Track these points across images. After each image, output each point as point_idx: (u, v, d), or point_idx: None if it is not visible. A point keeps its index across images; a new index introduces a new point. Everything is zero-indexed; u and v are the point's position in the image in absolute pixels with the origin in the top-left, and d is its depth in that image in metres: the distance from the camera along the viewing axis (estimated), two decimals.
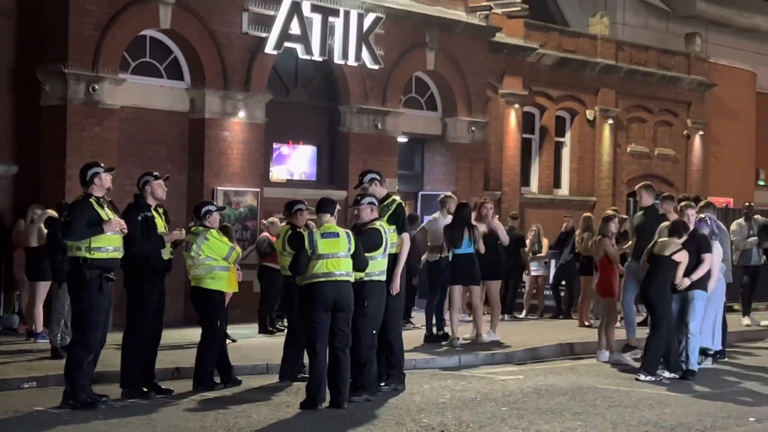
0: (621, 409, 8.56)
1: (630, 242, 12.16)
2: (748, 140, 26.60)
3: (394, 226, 9.13)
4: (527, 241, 16.04)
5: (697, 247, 10.24)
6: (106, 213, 8.24)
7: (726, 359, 11.65)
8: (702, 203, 11.95)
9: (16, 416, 7.87)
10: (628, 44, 23.55)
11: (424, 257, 13.47)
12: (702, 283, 10.36)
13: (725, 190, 24.26)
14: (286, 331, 10.47)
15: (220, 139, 14.61)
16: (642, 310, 13.13)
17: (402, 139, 17.47)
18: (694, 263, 10.22)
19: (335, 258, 8.37)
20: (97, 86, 13.20)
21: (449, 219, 12.73)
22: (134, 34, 13.80)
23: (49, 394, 8.64)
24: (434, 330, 12.51)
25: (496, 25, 18.70)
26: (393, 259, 9.08)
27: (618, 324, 11.84)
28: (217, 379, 9.32)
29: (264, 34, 14.89)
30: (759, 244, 15.05)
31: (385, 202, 9.21)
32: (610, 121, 22.56)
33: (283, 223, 10.63)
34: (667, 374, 10.15)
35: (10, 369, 9.77)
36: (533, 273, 16.07)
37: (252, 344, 12.01)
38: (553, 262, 16.48)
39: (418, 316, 13.93)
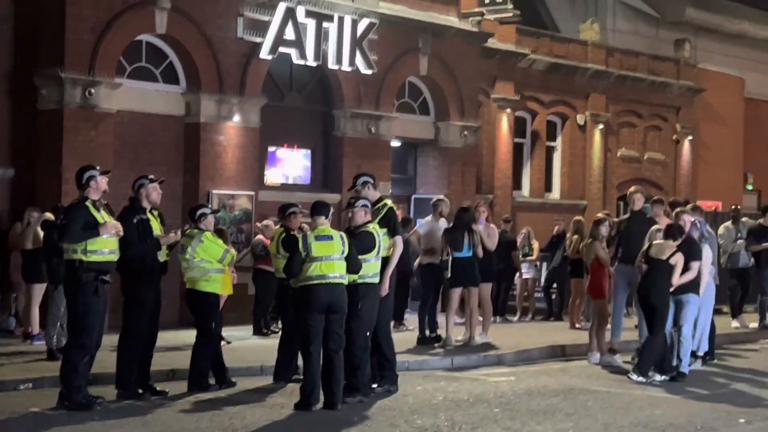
0: (612, 411, 8.63)
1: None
2: (737, 145, 26.80)
3: (385, 229, 9.20)
4: (518, 244, 16.16)
5: (687, 253, 10.36)
6: (102, 216, 8.28)
7: (715, 361, 11.75)
8: (689, 207, 12.09)
9: (13, 417, 7.90)
10: (619, 50, 23.73)
11: (417, 260, 13.57)
12: (695, 287, 10.49)
13: (714, 194, 24.42)
14: (280, 333, 10.53)
15: (215, 142, 14.70)
16: (632, 313, 13.28)
17: (395, 143, 17.57)
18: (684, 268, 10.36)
19: (329, 260, 8.44)
20: (93, 90, 13.27)
21: (442, 222, 12.86)
22: (130, 39, 13.88)
23: (45, 396, 8.66)
24: (427, 332, 12.61)
25: (488, 30, 18.83)
26: (385, 261, 9.18)
27: (609, 326, 11.96)
28: (212, 381, 9.36)
29: (259, 39, 14.99)
30: (747, 246, 15.17)
31: (377, 206, 9.27)
32: (601, 126, 22.72)
33: (278, 226, 10.73)
34: (658, 377, 10.24)
35: (7, 370, 9.82)
36: (524, 276, 16.20)
37: (246, 346, 12.07)
38: (544, 264, 16.62)
39: (411, 319, 14.02)
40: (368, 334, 8.90)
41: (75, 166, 9.05)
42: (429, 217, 13.15)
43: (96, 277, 8.21)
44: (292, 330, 9.52)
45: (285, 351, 9.82)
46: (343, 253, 8.51)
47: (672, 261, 10.21)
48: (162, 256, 8.91)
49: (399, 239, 9.36)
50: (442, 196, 13.81)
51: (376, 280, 8.95)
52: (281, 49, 15.19)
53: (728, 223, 15.47)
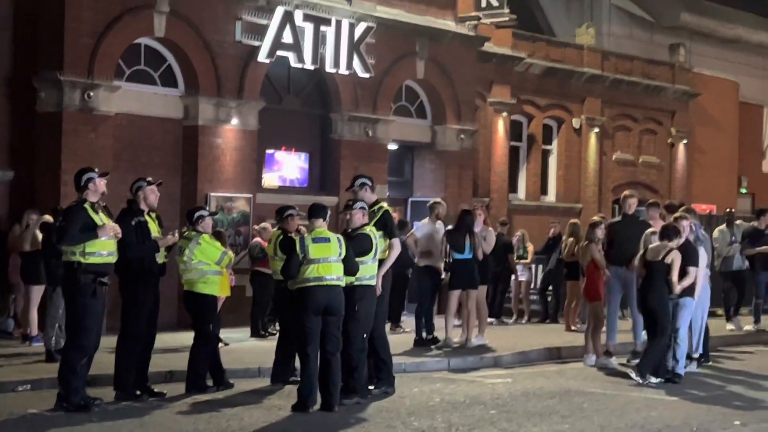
0: (608, 413, 8.67)
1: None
2: (731, 148, 26.91)
3: (381, 232, 9.23)
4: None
5: (685, 258, 10.40)
6: (100, 218, 8.30)
7: (710, 363, 11.80)
8: (682, 209, 12.15)
9: (11, 419, 7.93)
10: (614, 54, 23.83)
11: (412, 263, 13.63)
12: (691, 291, 10.55)
13: (708, 198, 24.53)
14: (277, 334, 10.59)
15: (213, 145, 14.76)
16: (627, 315, 13.35)
17: (392, 147, 17.64)
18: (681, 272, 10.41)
19: (326, 262, 8.48)
20: (92, 93, 13.33)
21: (438, 225, 12.93)
22: (129, 42, 13.94)
23: (43, 397, 8.68)
24: (423, 334, 12.68)
25: (484, 35, 18.90)
26: (381, 263, 9.22)
27: (605, 328, 12.03)
28: (210, 382, 9.38)
29: (257, 43, 15.06)
30: (741, 250, 15.16)
31: (373, 209, 9.31)
32: (596, 130, 22.82)
33: (275, 229, 10.79)
34: (653, 379, 10.27)
35: (5, 372, 9.85)
36: (519, 278, 16.26)
37: (244, 348, 12.10)
38: (540, 267, 16.68)
39: (408, 321, 14.08)
40: (365, 336, 8.94)
41: (74, 169, 9.05)
42: (426, 220, 13.21)
43: (94, 279, 8.24)
44: (289, 332, 9.55)
45: (282, 353, 9.85)
46: (340, 255, 8.55)
47: (667, 260, 10.25)
48: (160, 258, 8.95)
49: (397, 241, 9.41)
50: (438, 199, 13.88)
51: (374, 282, 8.99)
52: (279, 53, 15.25)
53: (723, 226, 15.48)
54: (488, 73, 19.83)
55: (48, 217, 11.29)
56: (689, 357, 11.05)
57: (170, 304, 12.86)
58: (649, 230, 11.39)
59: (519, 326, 15.63)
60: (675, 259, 10.27)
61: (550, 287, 16.36)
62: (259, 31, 15.11)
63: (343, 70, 16.01)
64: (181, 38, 14.42)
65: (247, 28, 15.07)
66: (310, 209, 8.84)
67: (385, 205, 9.53)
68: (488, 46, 19.42)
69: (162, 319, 9.45)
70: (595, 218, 12.23)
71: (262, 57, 15.09)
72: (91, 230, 8.22)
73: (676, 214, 11.18)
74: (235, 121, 14.96)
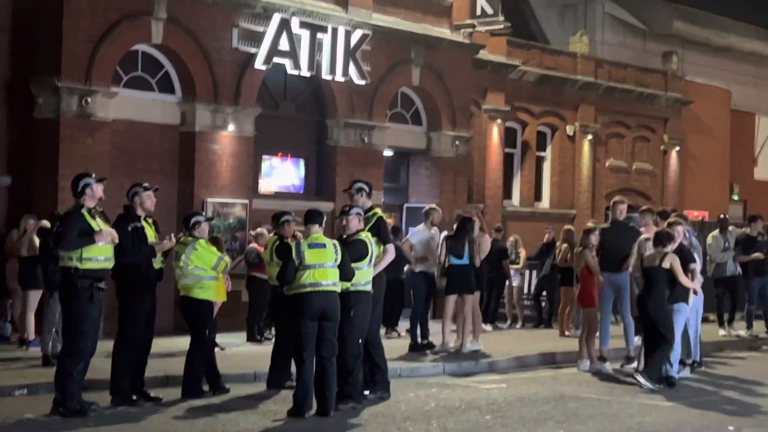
0: (602, 418, 8.73)
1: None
2: (723, 156, 27.03)
3: (375, 238, 9.26)
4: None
5: (683, 260, 10.49)
6: (97, 223, 8.34)
7: (703, 369, 11.88)
8: (673, 215, 12.25)
9: (7, 423, 7.96)
10: (607, 62, 23.95)
11: (407, 268, 13.70)
12: (685, 296, 10.64)
13: (701, 204, 24.63)
14: (273, 339, 10.64)
15: (210, 151, 14.81)
16: (619, 321, 13.41)
17: (388, 153, 17.71)
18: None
19: (322, 268, 8.53)
20: (89, 99, 13.37)
21: (434, 230, 13.01)
22: (126, 49, 14.00)
23: (40, 402, 8.71)
24: (419, 339, 12.75)
25: (479, 42, 18.99)
26: None
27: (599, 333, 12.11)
28: (206, 387, 9.42)
29: (254, 50, 15.13)
30: (734, 257, 15.22)
31: (367, 215, 9.35)
32: (590, 137, 22.92)
33: (271, 234, 10.84)
34: (649, 385, 10.32)
35: (2, 376, 9.87)
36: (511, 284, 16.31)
37: (240, 353, 12.14)
38: (534, 272, 16.76)
39: (403, 326, 14.12)
40: (360, 341, 8.98)
41: (71, 174, 9.08)
42: (421, 226, 13.28)
43: (91, 284, 8.27)
44: (285, 337, 9.59)
45: (278, 358, 9.89)
46: (336, 261, 8.60)
47: (665, 265, 10.31)
48: (157, 263, 8.99)
49: (391, 247, 9.46)
50: (434, 205, 13.96)
51: (369, 287, 9.04)
52: (276, 60, 15.33)
53: (716, 233, 15.53)
54: (483, 81, 19.92)
55: (45, 223, 11.33)
56: (682, 362, 11.13)
57: (167, 309, 12.90)
58: (643, 237, 11.49)
59: (513, 331, 15.69)
60: (674, 262, 10.33)
61: (544, 293, 16.44)
62: (256, 38, 15.18)
63: (339, 77, 16.08)
64: (179, 45, 14.48)
65: (243, 35, 15.14)
66: (306, 215, 8.88)
67: (379, 211, 9.58)
68: (483, 54, 19.52)
69: (158, 324, 9.47)
70: (589, 224, 12.34)
71: (258, 64, 15.16)
72: (89, 235, 8.26)
73: (670, 220, 11.27)
74: (231, 127, 15.02)
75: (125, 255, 8.67)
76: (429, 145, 18.28)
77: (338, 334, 8.71)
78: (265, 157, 16.11)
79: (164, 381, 9.85)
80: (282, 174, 16.48)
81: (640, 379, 10.24)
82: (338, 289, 8.67)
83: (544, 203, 22.49)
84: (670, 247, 10.43)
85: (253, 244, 13.52)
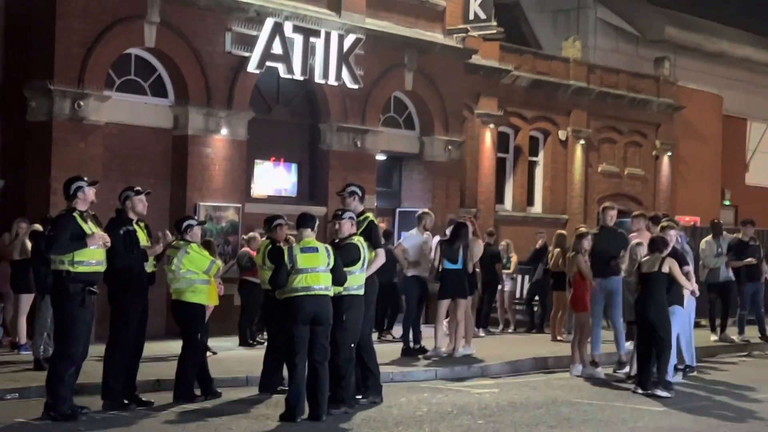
0: (594, 423, 8.74)
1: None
2: (715, 161, 27.13)
3: (366, 243, 9.26)
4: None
5: (677, 263, 10.51)
6: (89, 227, 8.32)
7: (695, 373, 11.92)
8: (665, 221, 12.29)
9: None
10: (600, 67, 24.02)
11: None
12: (680, 299, 10.68)
13: (692, 209, 24.69)
14: (265, 344, 10.63)
15: (202, 155, 14.82)
16: (610, 326, 13.43)
17: (381, 157, 17.74)
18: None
19: (314, 272, 8.52)
20: (82, 103, 13.37)
21: (426, 235, 13.04)
22: (119, 53, 14.00)
23: (31, 405, 8.70)
24: (411, 343, 12.76)
25: (472, 47, 19.04)
26: None
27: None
28: (198, 392, 9.40)
29: (247, 54, 15.15)
30: (727, 262, 15.22)
31: (359, 219, 9.35)
32: (582, 142, 22.98)
33: (264, 238, 10.84)
34: (640, 390, 10.36)
35: None
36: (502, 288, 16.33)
37: (232, 357, 12.14)
38: (527, 277, 16.79)
39: (397, 330, 14.13)
40: (353, 345, 8.99)
41: (64, 178, 9.07)
42: (414, 230, 13.31)
43: (83, 288, 8.26)
44: (277, 341, 9.59)
45: (270, 362, 9.89)
46: (328, 265, 8.59)
47: (665, 269, 10.34)
48: (149, 266, 8.98)
49: (381, 251, 9.46)
50: (427, 210, 13.98)
51: (361, 292, 9.04)
52: (269, 64, 15.34)
53: (709, 238, 15.52)
54: (476, 85, 19.97)
55: (38, 226, 11.31)
56: (675, 368, 11.15)
57: (158, 313, 12.89)
58: (634, 242, 11.53)
59: (505, 336, 15.73)
60: (673, 266, 10.36)
61: (536, 297, 16.47)
62: (249, 42, 15.19)
63: (332, 81, 16.11)
64: (172, 49, 14.49)
65: (236, 39, 15.15)
66: (298, 219, 8.89)
67: (370, 215, 9.58)
68: (476, 59, 19.57)
69: (150, 328, 9.45)
70: (582, 229, 12.35)
71: (251, 68, 15.17)
72: (80, 239, 8.25)
73: (663, 224, 11.31)
74: (224, 131, 15.03)
75: (117, 259, 8.66)
76: (422, 150, 18.31)
77: (331, 338, 8.71)
78: (257, 161, 16.11)
79: (156, 385, 9.84)
80: (275, 178, 16.48)
81: (659, 392, 10.15)
82: (331, 293, 8.67)
83: (537, 208, 22.54)
84: (666, 252, 10.47)
85: (246, 248, 13.52)
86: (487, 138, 20.50)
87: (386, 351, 11.91)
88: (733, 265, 15.28)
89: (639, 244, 11.27)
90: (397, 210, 18.40)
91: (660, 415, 9.33)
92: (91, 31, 13.51)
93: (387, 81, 17.42)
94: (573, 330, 12.27)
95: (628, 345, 12.02)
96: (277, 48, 15.34)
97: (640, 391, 10.37)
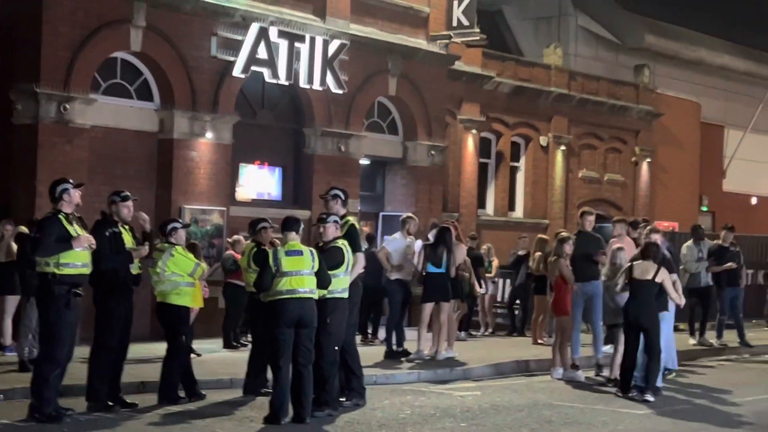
0: (576, 426, 8.83)
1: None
2: (693, 167, 27.40)
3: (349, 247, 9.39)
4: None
5: (666, 269, 10.64)
6: (75, 229, 8.34)
7: (675, 377, 12.01)
8: (649, 228, 12.45)
9: None
10: (580, 74, 24.22)
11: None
12: (666, 304, 10.81)
13: (671, 215, 24.93)
14: (249, 346, 10.67)
15: (188, 158, 14.85)
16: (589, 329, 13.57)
17: (364, 162, 17.82)
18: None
19: (299, 275, 8.56)
20: (68, 106, 13.37)
21: (410, 239, 13.14)
22: (105, 56, 14.01)
23: (15, 407, 8.68)
24: (394, 346, 12.84)
25: (455, 53, 19.17)
26: None
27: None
28: (182, 394, 9.43)
29: (232, 58, 15.20)
30: (707, 267, 15.30)
31: (340, 222, 9.43)
32: (563, 148, 23.17)
33: (248, 241, 10.90)
34: (621, 393, 10.46)
35: None
36: (481, 292, 16.42)
37: (216, 359, 12.14)
38: (508, 281, 16.90)
39: (382, 333, 14.20)
40: (337, 348, 9.04)
41: (49, 180, 9.07)
42: (397, 234, 13.38)
43: (68, 290, 8.27)
44: (261, 343, 9.63)
45: (255, 364, 9.92)
46: (313, 268, 8.63)
47: (658, 279, 10.43)
48: (134, 269, 9.01)
49: (361, 256, 9.48)
50: (411, 214, 14.05)
51: (345, 295, 9.09)
52: (254, 68, 15.40)
53: (690, 243, 15.52)
54: (458, 91, 20.10)
55: (23, 228, 11.31)
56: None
57: (143, 315, 12.86)
58: (615, 246, 11.68)
59: (487, 339, 15.79)
60: (666, 279, 10.46)
61: (518, 301, 16.59)
62: (234, 47, 15.25)
63: (316, 86, 16.19)
64: (157, 53, 14.52)
65: (222, 43, 15.21)
66: (283, 222, 8.92)
67: (351, 219, 9.60)
68: (459, 65, 19.70)
69: (135, 330, 9.44)
70: (564, 233, 12.47)
71: (236, 72, 15.23)
72: (66, 241, 8.26)
73: (649, 228, 11.44)
74: (209, 134, 15.08)
75: (103, 261, 8.67)
76: (405, 155, 18.41)
77: (315, 341, 8.75)
78: (242, 164, 16.16)
79: (140, 387, 9.84)
80: (259, 182, 16.53)
81: (648, 397, 10.21)
82: (315, 297, 8.71)
83: (518, 213, 22.70)
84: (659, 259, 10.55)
85: (230, 251, 13.58)
86: (470, 143, 20.64)
87: (369, 354, 11.95)
88: (713, 270, 15.38)
89: (620, 248, 11.42)
90: (381, 214, 18.46)
91: (640, 418, 9.41)
92: (77, 34, 13.52)
93: (371, 86, 17.51)
94: (554, 333, 12.38)
95: (608, 348, 12.18)
96: (262, 53, 15.41)
97: (632, 393, 10.40)
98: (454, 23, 18.59)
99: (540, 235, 16.19)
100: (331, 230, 9.09)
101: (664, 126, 26.05)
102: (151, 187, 14.55)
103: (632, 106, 24.96)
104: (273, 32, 15.55)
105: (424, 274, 12.57)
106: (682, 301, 10.89)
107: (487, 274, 16.37)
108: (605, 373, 11.74)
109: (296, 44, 15.82)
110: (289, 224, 8.85)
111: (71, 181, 8.62)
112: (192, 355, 10.22)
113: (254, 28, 15.29)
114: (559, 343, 11.84)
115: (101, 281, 8.79)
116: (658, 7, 27.38)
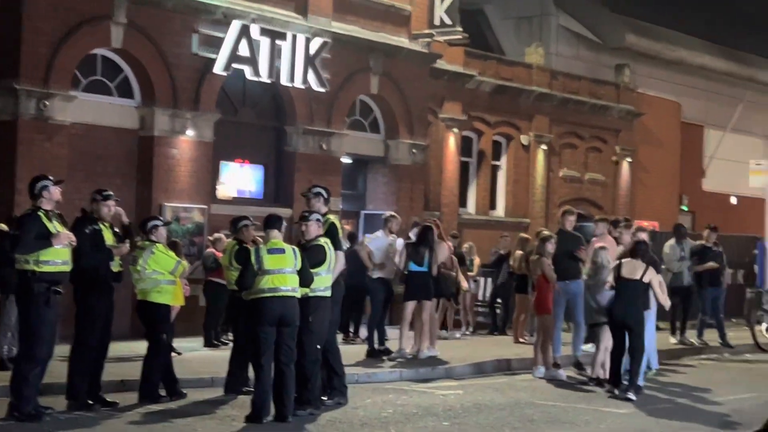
0: (558, 425, 8.86)
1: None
2: (673, 167, 27.57)
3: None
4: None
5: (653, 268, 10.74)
6: (54, 226, 8.29)
7: (655, 375, 12.07)
8: (634, 229, 12.50)
9: None
10: (562, 74, 24.30)
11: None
12: (647, 303, 10.84)
13: (651, 214, 25.04)
14: (231, 344, 10.64)
15: (168, 156, 14.79)
16: (570, 328, 13.64)
17: (346, 160, 17.82)
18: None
19: (281, 273, 8.54)
20: (48, 102, 13.30)
21: (391, 237, 13.14)
22: (86, 53, 13.94)
23: None
24: (376, 345, 12.84)
25: (437, 52, 19.20)
26: None
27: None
28: (163, 392, 9.40)
29: (213, 56, 15.14)
30: (689, 266, 15.35)
31: (322, 221, 9.45)
32: (544, 147, 23.24)
33: (230, 239, 10.86)
34: (616, 391, 10.48)
35: None
36: (468, 288, 16.45)
37: (197, 357, 12.11)
38: (489, 280, 16.94)
39: (362, 332, 14.20)
40: (318, 347, 9.03)
41: (29, 177, 9.01)
42: (379, 233, 13.37)
43: (48, 288, 8.23)
44: (243, 342, 9.61)
45: (236, 363, 9.90)
46: (295, 266, 8.62)
47: (646, 279, 10.47)
48: (115, 266, 8.97)
49: (341, 254, 9.48)
50: (393, 213, 14.06)
51: (328, 293, 9.08)
52: (235, 66, 15.36)
53: (672, 242, 15.52)
54: (440, 90, 20.12)
55: (2, 226, 11.17)
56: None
57: (124, 313, 12.80)
58: (598, 245, 11.73)
59: (469, 338, 15.83)
60: (653, 280, 10.51)
61: (499, 300, 16.63)
62: (216, 44, 15.19)
63: (298, 84, 16.16)
64: (138, 50, 14.44)
65: (203, 40, 15.15)
66: (265, 220, 8.90)
67: (332, 217, 9.59)
68: (440, 64, 19.72)
69: (115, 328, 9.41)
70: (546, 232, 12.52)
71: (218, 69, 15.17)
72: (46, 238, 8.21)
73: (634, 228, 11.50)
74: (190, 132, 15.01)
75: (83, 258, 8.63)
76: (387, 153, 18.42)
77: (297, 339, 8.74)
78: (223, 162, 16.10)
79: (121, 385, 9.80)
80: (240, 179, 16.48)
81: (630, 395, 10.25)
82: (297, 295, 8.68)
83: (499, 211, 22.75)
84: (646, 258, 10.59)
85: (211, 249, 13.53)
86: (451, 142, 20.67)
87: (351, 352, 11.96)
88: (696, 270, 15.40)
89: (603, 248, 11.46)
90: (362, 212, 18.48)
91: (623, 417, 9.45)
92: (57, 31, 13.44)
93: (353, 84, 17.50)
94: (536, 332, 12.42)
95: (589, 347, 12.23)
96: (243, 50, 15.36)
97: (616, 392, 10.43)
98: (437, 22, 18.61)
99: (521, 234, 16.24)
100: (314, 228, 9.08)
101: (645, 126, 26.20)
102: (131, 185, 14.49)
103: (613, 105, 25.07)
104: (254, 30, 15.50)
105: (406, 272, 12.57)
106: (668, 303, 10.93)
107: (469, 273, 16.39)
108: (588, 371, 11.77)
109: (278, 42, 15.78)
110: (271, 222, 8.84)
111: (51, 178, 8.56)
112: (173, 354, 10.18)
113: (236, 26, 15.24)
114: (540, 341, 11.88)
115: (81, 279, 8.76)
116: (639, 7, 27.52)
